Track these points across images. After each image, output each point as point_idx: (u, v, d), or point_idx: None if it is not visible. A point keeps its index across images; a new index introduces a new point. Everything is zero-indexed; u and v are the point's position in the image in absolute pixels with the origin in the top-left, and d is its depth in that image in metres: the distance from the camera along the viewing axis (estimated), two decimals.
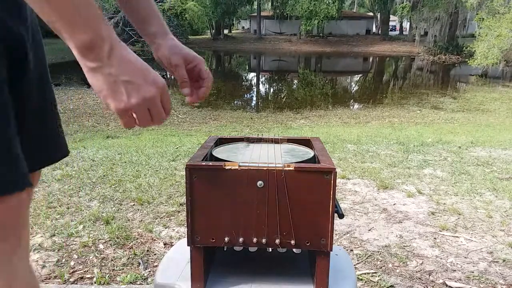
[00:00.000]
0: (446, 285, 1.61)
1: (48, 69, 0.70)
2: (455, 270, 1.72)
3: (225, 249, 0.79)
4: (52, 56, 20.99)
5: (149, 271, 1.63)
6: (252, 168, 0.66)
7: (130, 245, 1.84)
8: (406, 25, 42.86)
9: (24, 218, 0.61)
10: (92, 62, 0.48)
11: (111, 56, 0.49)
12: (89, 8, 0.46)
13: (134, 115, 0.54)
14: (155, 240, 1.91)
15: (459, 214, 2.29)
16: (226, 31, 42.78)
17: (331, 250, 0.69)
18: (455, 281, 1.63)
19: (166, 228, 2.03)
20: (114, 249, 1.80)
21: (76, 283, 1.56)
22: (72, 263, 1.68)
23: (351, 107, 10.49)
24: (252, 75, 19.41)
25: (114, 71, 0.50)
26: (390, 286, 1.59)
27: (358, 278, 1.63)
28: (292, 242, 0.68)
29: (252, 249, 0.73)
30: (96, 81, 0.51)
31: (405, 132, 5.86)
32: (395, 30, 49.02)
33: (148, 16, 0.74)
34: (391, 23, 43.63)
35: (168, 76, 12.36)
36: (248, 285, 0.74)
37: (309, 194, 0.66)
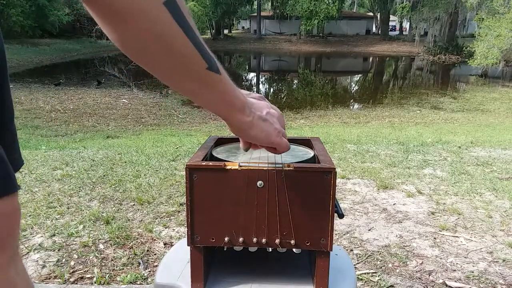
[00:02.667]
0: (446, 285, 1.61)
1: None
2: (455, 270, 1.72)
3: (225, 249, 0.79)
4: (52, 56, 21.00)
5: (149, 271, 1.64)
6: (252, 168, 0.66)
7: (130, 245, 1.85)
8: (406, 25, 42.88)
9: (19, 225, 0.61)
10: (248, 117, 0.60)
11: (251, 105, 0.61)
12: (232, 82, 0.57)
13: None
14: (155, 240, 1.91)
15: (459, 214, 2.29)
16: (226, 31, 42.78)
17: (331, 250, 0.69)
18: (455, 281, 1.63)
19: (166, 228, 2.03)
20: (114, 249, 1.80)
21: (76, 283, 1.56)
22: (72, 263, 1.68)
23: (351, 107, 10.50)
24: (252, 75, 19.41)
25: (259, 113, 0.62)
26: (390, 286, 1.59)
27: (358, 278, 1.63)
28: (292, 242, 0.68)
29: (252, 249, 0.73)
30: (258, 129, 0.62)
31: (405, 132, 5.86)
32: (395, 30, 49.02)
33: None
34: (391, 23, 43.63)
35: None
36: (248, 285, 0.74)
37: (309, 194, 0.67)
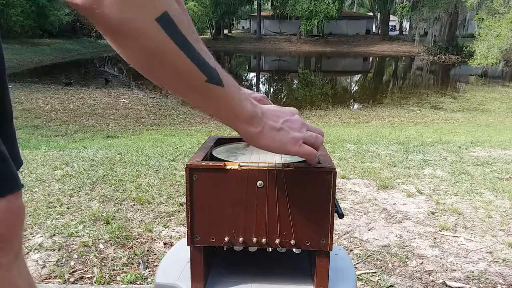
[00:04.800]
0: (446, 285, 1.61)
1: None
2: (455, 270, 1.72)
3: (225, 249, 0.79)
4: (52, 56, 21.00)
5: (149, 271, 1.64)
6: (252, 168, 0.66)
7: (130, 245, 1.85)
8: (406, 25, 42.87)
9: (23, 224, 0.61)
10: (257, 127, 0.58)
11: (263, 114, 0.59)
12: (239, 91, 0.56)
13: (304, 144, 0.63)
14: (155, 240, 1.91)
15: (459, 214, 2.29)
16: (226, 31, 42.78)
17: (331, 250, 0.69)
18: (455, 281, 1.63)
19: (166, 228, 2.03)
20: (114, 249, 1.80)
21: (76, 283, 1.56)
22: (72, 263, 1.68)
23: (351, 107, 10.50)
24: (252, 75, 19.41)
25: (271, 122, 0.60)
26: (390, 286, 1.59)
27: (358, 278, 1.63)
28: (292, 242, 0.68)
29: (252, 249, 0.73)
30: (269, 139, 0.60)
31: (405, 132, 5.86)
32: (395, 30, 49.02)
33: None
34: (391, 23, 43.64)
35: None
36: (248, 285, 0.74)
37: (309, 194, 0.67)
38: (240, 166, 0.66)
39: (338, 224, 2.12)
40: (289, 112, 0.64)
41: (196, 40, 0.50)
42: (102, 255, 1.75)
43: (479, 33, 17.89)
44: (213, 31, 38.94)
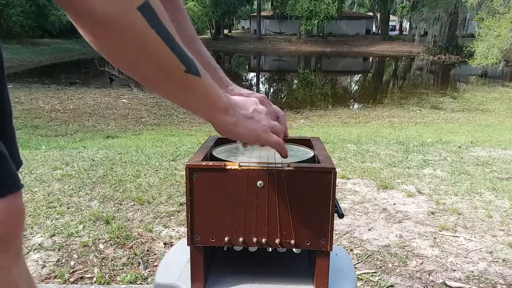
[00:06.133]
0: (446, 285, 1.61)
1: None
2: (455, 270, 1.72)
3: (225, 249, 0.79)
4: (52, 56, 21.00)
5: (149, 271, 1.64)
6: (252, 168, 0.66)
7: (130, 245, 1.85)
8: (406, 25, 42.86)
9: (23, 225, 0.60)
10: (232, 117, 0.60)
11: (236, 104, 0.62)
12: (214, 83, 0.57)
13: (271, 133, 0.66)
14: (155, 240, 1.91)
15: (459, 214, 2.29)
16: (226, 31, 42.78)
17: (331, 250, 0.69)
18: (455, 281, 1.63)
19: (166, 228, 2.03)
20: (114, 249, 1.80)
21: (76, 283, 1.56)
22: (72, 263, 1.68)
23: (351, 107, 10.50)
24: (252, 75, 19.42)
25: (244, 111, 0.62)
26: (390, 286, 1.59)
27: (358, 278, 1.63)
28: (292, 242, 0.68)
29: (252, 249, 0.73)
30: (243, 128, 0.62)
31: (405, 132, 5.86)
32: (395, 30, 49.00)
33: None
34: (391, 23, 43.63)
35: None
36: (248, 285, 0.74)
37: (309, 194, 0.67)
38: (240, 166, 0.66)
39: (338, 224, 2.12)
40: (254, 102, 0.66)
41: (173, 30, 0.50)
42: (102, 255, 1.75)
43: (479, 33, 17.88)
44: (213, 31, 38.94)
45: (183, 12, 0.77)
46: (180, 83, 0.53)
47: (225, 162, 0.67)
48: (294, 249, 0.71)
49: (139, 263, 1.69)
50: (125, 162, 3.24)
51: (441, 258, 1.81)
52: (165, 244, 1.87)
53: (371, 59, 28.76)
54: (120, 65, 0.50)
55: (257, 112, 0.64)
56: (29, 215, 2.11)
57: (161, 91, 0.55)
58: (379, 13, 40.47)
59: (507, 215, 2.28)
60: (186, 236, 0.70)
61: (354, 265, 1.72)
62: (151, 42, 0.47)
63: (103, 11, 0.43)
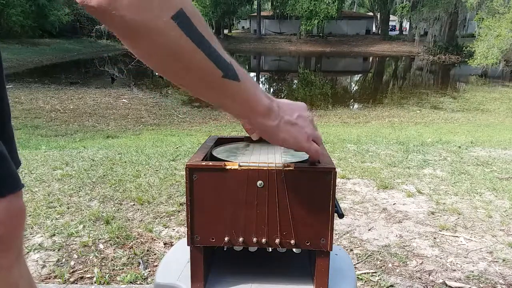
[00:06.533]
0: (446, 285, 1.61)
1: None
2: (455, 270, 1.72)
3: (225, 249, 0.79)
4: (52, 56, 20.99)
5: (149, 271, 1.64)
6: (252, 168, 0.66)
7: (130, 245, 1.85)
8: (406, 25, 42.87)
9: (24, 225, 0.60)
10: (274, 121, 0.59)
11: (279, 108, 0.60)
12: (255, 85, 0.56)
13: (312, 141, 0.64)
14: (155, 240, 1.91)
15: (459, 214, 2.29)
16: (226, 31, 42.77)
17: (331, 250, 0.69)
18: (455, 281, 1.63)
19: (166, 228, 2.03)
20: (114, 249, 1.80)
21: (76, 283, 1.56)
22: (72, 263, 1.68)
23: (351, 107, 10.50)
24: (252, 75, 19.40)
25: (288, 117, 0.61)
26: (390, 286, 1.59)
27: (358, 277, 1.63)
28: (292, 241, 0.68)
29: (252, 249, 0.73)
30: (285, 133, 0.61)
31: (405, 132, 5.86)
32: (395, 30, 49.02)
33: None
34: (391, 23, 43.64)
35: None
36: (248, 285, 0.74)
37: (309, 194, 0.67)
38: (240, 166, 0.66)
39: (338, 224, 2.12)
40: (301, 108, 0.64)
41: (211, 35, 0.50)
42: (102, 255, 1.75)
43: (479, 33, 17.89)
44: (213, 31, 38.85)
45: None
46: (218, 89, 0.53)
47: (225, 162, 0.67)
48: (294, 249, 0.71)
49: (139, 263, 1.69)
50: (125, 162, 3.24)
51: (441, 258, 1.81)
52: (165, 244, 1.87)
53: (371, 59, 28.77)
54: (158, 71, 0.50)
55: (302, 119, 0.63)
56: (29, 215, 2.11)
57: (201, 96, 0.54)
58: (379, 13, 40.47)
59: (507, 215, 2.28)
60: (186, 236, 0.70)
61: (354, 265, 1.72)
62: (186, 50, 0.47)
63: (134, 21, 0.43)
